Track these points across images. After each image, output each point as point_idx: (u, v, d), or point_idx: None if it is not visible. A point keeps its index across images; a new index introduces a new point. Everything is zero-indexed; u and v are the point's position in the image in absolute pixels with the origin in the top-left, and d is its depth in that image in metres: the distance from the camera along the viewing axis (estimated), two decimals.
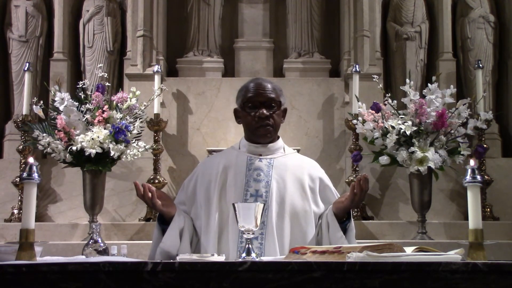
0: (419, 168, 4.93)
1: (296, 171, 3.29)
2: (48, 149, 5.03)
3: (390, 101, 5.12)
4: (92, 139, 4.93)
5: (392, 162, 5.08)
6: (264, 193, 3.20)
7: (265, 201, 3.16)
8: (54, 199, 5.71)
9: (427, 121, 5.00)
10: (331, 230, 3.16)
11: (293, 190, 3.24)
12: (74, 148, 4.94)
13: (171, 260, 2.55)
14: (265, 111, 3.22)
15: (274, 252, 3.10)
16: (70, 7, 6.24)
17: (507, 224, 5.41)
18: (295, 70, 6.22)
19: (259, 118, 3.23)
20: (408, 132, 4.94)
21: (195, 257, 2.56)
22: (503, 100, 6.25)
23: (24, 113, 5.47)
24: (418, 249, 2.51)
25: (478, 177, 2.60)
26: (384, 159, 5.07)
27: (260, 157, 3.29)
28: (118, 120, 5.07)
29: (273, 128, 3.28)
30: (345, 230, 3.15)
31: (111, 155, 4.98)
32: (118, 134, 4.99)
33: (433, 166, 4.95)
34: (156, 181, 5.47)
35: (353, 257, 2.31)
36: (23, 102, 5.51)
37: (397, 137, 4.99)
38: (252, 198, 3.18)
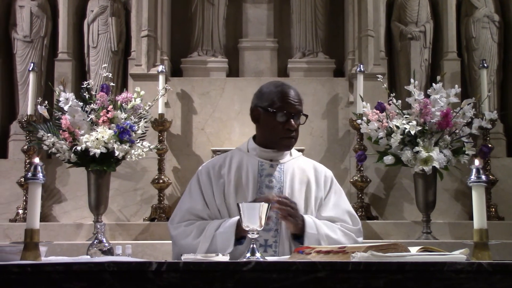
0: (424, 168, 4.92)
1: (302, 175, 3.28)
2: (53, 149, 5.03)
3: (394, 100, 5.12)
4: (97, 139, 4.94)
5: (397, 162, 5.07)
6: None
7: None
8: (59, 199, 5.72)
9: (432, 120, 4.99)
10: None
11: (300, 194, 3.22)
12: (78, 148, 4.94)
13: (175, 260, 2.55)
14: (294, 124, 3.20)
15: (289, 249, 3.10)
16: (74, 7, 6.25)
17: None
18: (299, 70, 6.21)
19: (288, 130, 3.20)
20: (412, 132, 4.94)
21: (199, 257, 2.56)
22: (508, 100, 6.24)
23: (29, 113, 5.48)
24: (423, 249, 2.50)
25: (483, 177, 2.60)
26: (388, 159, 5.06)
27: (271, 162, 3.26)
28: (123, 120, 5.07)
29: (295, 140, 3.27)
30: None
31: (116, 155, 4.98)
32: (123, 134, 5.00)
33: (437, 166, 4.94)
34: (161, 181, 5.48)
35: (358, 257, 2.31)
36: (28, 102, 5.52)
37: (402, 137, 4.98)
38: None
